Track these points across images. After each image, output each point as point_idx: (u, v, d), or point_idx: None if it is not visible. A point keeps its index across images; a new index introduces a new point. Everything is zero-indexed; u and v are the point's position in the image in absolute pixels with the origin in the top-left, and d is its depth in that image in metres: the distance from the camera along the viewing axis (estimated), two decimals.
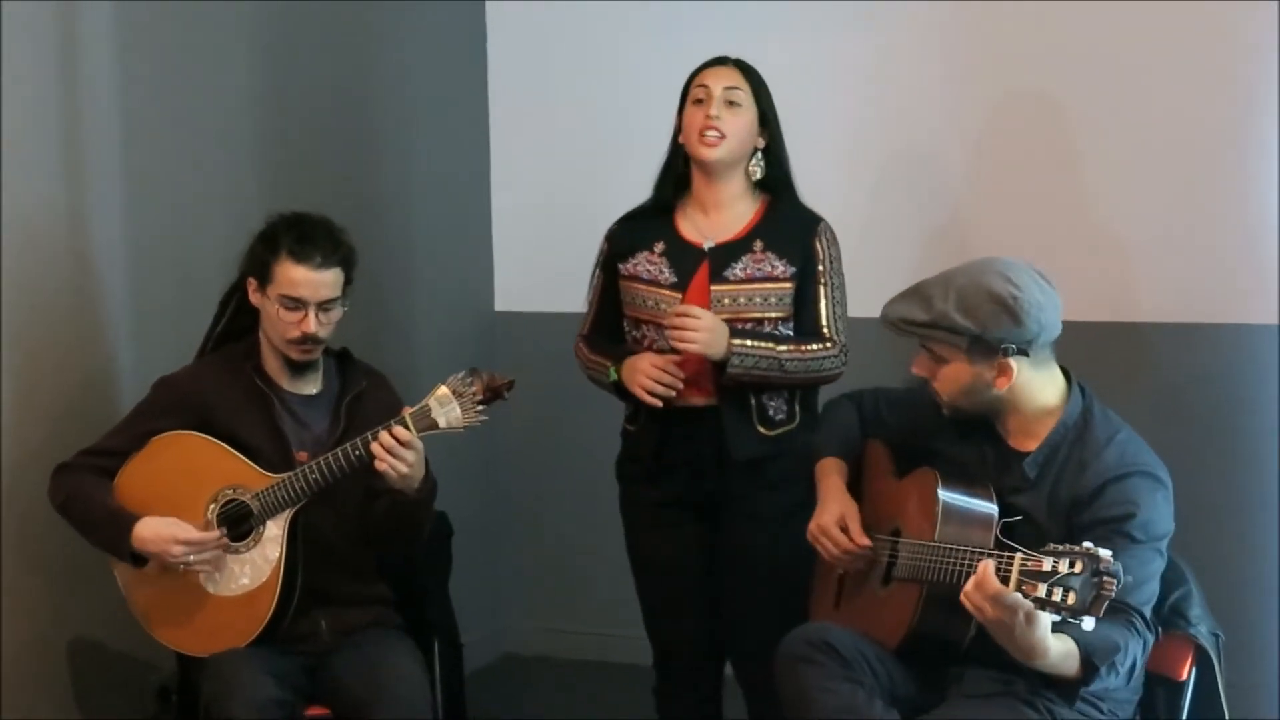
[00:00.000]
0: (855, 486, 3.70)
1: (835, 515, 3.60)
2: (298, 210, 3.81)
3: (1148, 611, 3.29)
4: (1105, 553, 2.94)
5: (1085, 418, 3.40)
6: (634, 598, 4.21)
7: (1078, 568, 2.94)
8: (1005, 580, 3.00)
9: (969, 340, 3.33)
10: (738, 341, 3.87)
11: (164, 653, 3.83)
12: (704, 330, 3.84)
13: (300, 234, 3.73)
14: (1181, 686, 3.43)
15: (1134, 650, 3.24)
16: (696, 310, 3.87)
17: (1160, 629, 3.41)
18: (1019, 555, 3.02)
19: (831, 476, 3.69)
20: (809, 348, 3.94)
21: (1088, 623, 2.96)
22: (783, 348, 3.91)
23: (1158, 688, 3.45)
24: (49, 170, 3.99)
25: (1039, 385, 3.40)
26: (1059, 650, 3.13)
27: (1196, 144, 4.75)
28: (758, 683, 3.93)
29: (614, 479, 4.20)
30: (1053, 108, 4.88)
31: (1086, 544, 2.98)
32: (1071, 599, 2.93)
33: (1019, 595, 2.99)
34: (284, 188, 4.51)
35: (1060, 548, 2.99)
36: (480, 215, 5.59)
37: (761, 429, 3.97)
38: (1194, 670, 3.44)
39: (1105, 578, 2.92)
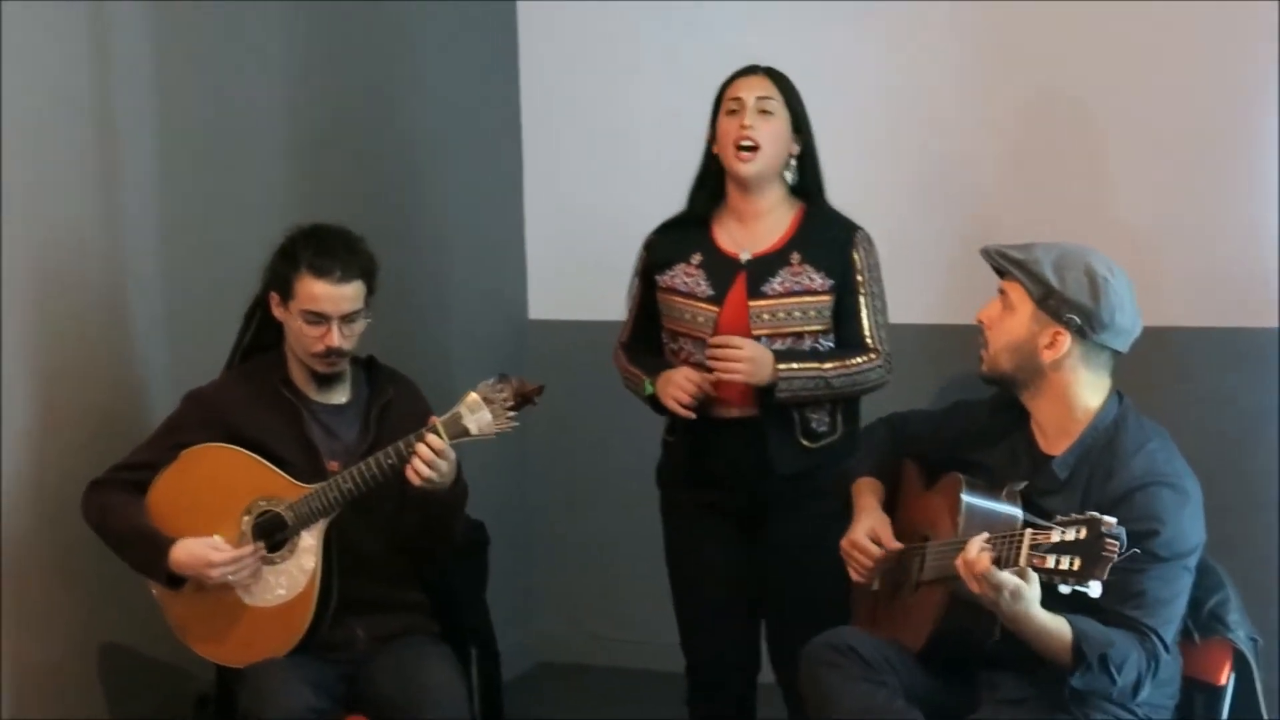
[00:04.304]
0: (891, 506, 3.71)
1: (866, 529, 3.62)
2: (317, 222, 3.80)
3: (1168, 632, 3.29)
4: (1109, 519, 3.02)
5: (1118, 424, 3.40)
6: (669, 606, 4.20)
7: (1082, 534, 3.02)
8: (1016, 556, 3.09)
9: (1042, 292, 3.37)
10: (784, 366, 3.85)
11: (202, 661, 3.83)
12: (746, 360, 3.83)
13: (318, 248, 3.72)
14: (1220, 691, 3.43)
15: (1137, 662, 3.23)
16: (737, 340, 3.85)
17: (1199, 634, 3.43)
18: (1029, 530, 3.10)
19: (866, 496, 3.70)
20: (853, 361, 3.93)
21: (1094, 587, 3.02)
22: (828, 365, 3.90)
23: (1196, 693, 3.45)
24: (84, 182, 4.00)
25: (1082, 383, 3.41)
26: (1048, 623, 3.18)
27: (1231, 148, 4.70)
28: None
29: (648, 487, 4.19)
30: (1083, 110, 4.84)
31: (1091, 512, 3.05)
32: (1077, 565, 3.02)
33: (1005, 575, 3.09)
34: (316, 196, 4.52)
35: (1066, 518, 3.07)
36: (513, 222, 5.59)
37: (805, 441, 3.96)
38: (1233, 675, 3.43)
39: (1107, 540, 3.00)
